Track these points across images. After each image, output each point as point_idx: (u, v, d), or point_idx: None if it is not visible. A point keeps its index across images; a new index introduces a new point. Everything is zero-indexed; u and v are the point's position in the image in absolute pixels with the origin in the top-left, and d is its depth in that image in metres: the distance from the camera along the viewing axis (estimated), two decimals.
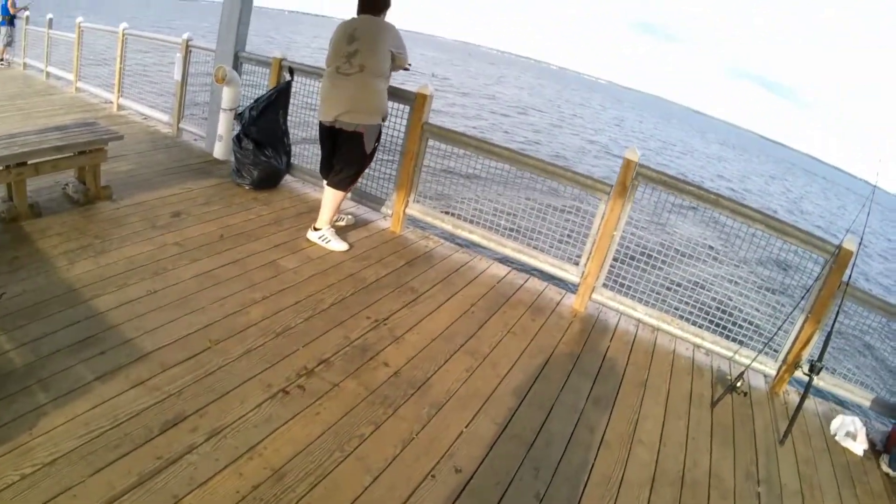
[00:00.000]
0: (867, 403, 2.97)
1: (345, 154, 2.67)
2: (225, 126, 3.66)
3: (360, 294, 2.53)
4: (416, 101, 2.89)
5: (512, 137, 14.60)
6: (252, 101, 3.46)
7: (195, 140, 4.35)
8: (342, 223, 3.08)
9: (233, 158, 3.47)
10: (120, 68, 4.93)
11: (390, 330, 2.30)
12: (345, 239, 2.93)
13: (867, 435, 2.82)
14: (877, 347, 3.23)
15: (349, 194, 2.87)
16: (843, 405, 3.10)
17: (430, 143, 2.97)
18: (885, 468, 2.68)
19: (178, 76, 4.16)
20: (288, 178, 3.63)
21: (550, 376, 2.26)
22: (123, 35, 4.87)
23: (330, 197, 2.79)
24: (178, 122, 4.30)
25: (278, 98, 3.34)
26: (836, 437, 2.76)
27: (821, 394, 3.03)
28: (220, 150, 3.78)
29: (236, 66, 3.73)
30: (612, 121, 33.99)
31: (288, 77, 3.36)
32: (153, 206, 3.00)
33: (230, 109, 3.64)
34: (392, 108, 2.95)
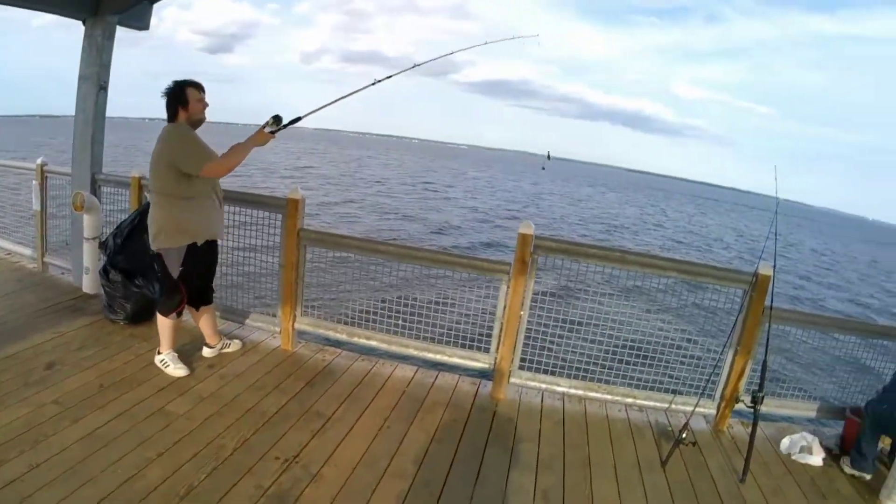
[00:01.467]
0: (814, 414, 3.17)
1: (158, 276, 2.76)
2: (90, 257, 3.56)
3: (264, 431, 2.48)
4: (287, 208, 2.86)
5: (386, 222, 15.42)
6: (115, 227, 3.28)
7: (62, 274, 4.18)
8: (229, 349, 3.11)
9: (102, 292, 3.25)
10: None
11: (304, 468, 2.26)
12: (235, 367, 2.96)
13: (821, 444, 2.91)
14: (811, 358, 3.33)
15: (174, 319, 2.82)
16: (791, 422, 3.16)
17: (310, 249, 2.88)
18: (848, 470, 2.84)
19: (36, 205, 3.99)
20: None
21: (490, 479, 2.28)
22: None
23: (157, 322, 2.83)
24: (43, 256, 4.14)
25: (142, 220, 3.21)
26: (793, 457, 2.89)
27: (766, 417, 3.11)
28: (88, 284, 3.65)
29: (95, 189, 3.65)
30: (484, 184, 39.36)
31: (149, 197, 3.22)
32: (25, 359, 2.91)
33: (93, 238, 3.51)
34: (263, 216, 2.88)
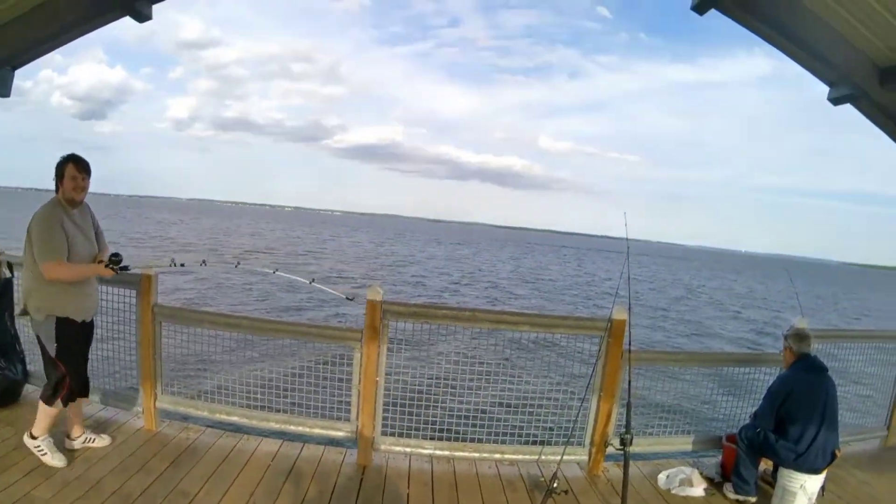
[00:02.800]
0: (690, 446, 3.47)
1: (43, 360, 2.91)
2: None
3: None
4: (141, 285, 2.93)
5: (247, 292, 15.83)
6: None
7: None
8: (93, 444, 3.17)
9: None
10: None
11: None
12: (100, 449, 3.09)
13: (702, 474, 3.07)
14: (680, 393, 3.51)
15: (59, 408, 2.86)
16: (670, 457, 3.33)
17: (166, 326, 2.97)
18: (731, 496, 3.06)
19: None
20: (28, 388, 3.61)
21: None
22: None
23: (39, 407, 2.90)
24: None
25: (0, 300, 3.24)
26: (673, 491, 3.24)
27: (642, 457, 3.26)
28: None
29: None
30: (356, 247, 44.33)
31: (7, 274, 3.30)
32: None
33: None
34: (117, 293, 2.96)
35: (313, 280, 2.91)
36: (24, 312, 2.81)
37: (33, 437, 2.91)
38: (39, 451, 2.90)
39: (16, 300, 3.56)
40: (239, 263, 2.97)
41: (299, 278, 3.06)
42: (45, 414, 2.88)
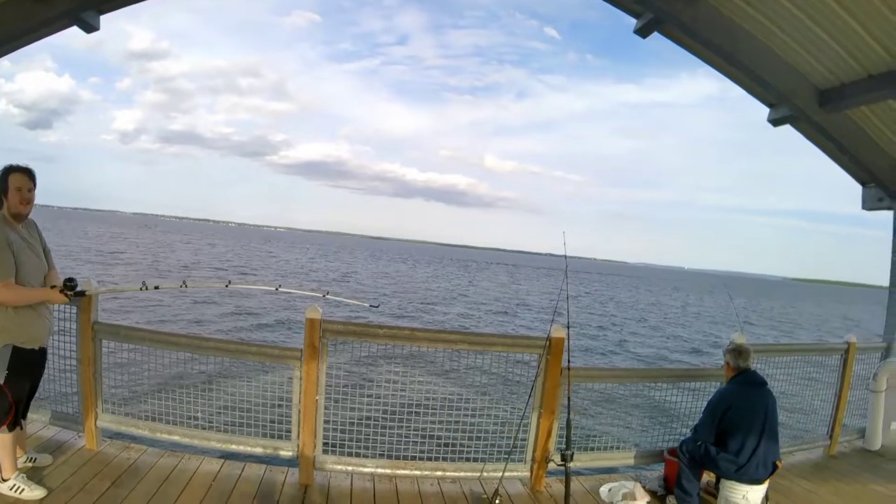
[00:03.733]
0: (632, 460, 3.48)
1: None
2: None
3: None
4: (81, 302, 2.94)
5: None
6: None
7: None
8: (32, 463, 3.09)
9: None
10: None
11: None
12: (41, 472, 3.02)
13: (644, 487, 3.12)
14: (620, 409, 3.56)
15: (5, 433, 2.69)
16: (613, 472, 3.38)
17: (106, 343, 2.94)
18: None
19: None
20: None
21: None
22: None
23: None
24: None
25: None
26: None
27: (584, 472, 3.32)
28: None
29: None
30: (298, 265, 43.68)
31: None
32: None
33: None
34: (58, 309, 2.92)
35: (327, 293, 2.93)
36: None
37: (4, 480, 2.75)
38: (16, 490, 2.74)
39: None
40: (230, 283, 2.90)
41: (310, 293, 3.05)
42: (0, 446, 2.71)
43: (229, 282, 2.97)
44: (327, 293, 3.03)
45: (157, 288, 2.83)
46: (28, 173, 2.61)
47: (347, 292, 23.75)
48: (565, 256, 3.02)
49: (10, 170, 2.57)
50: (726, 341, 3.35)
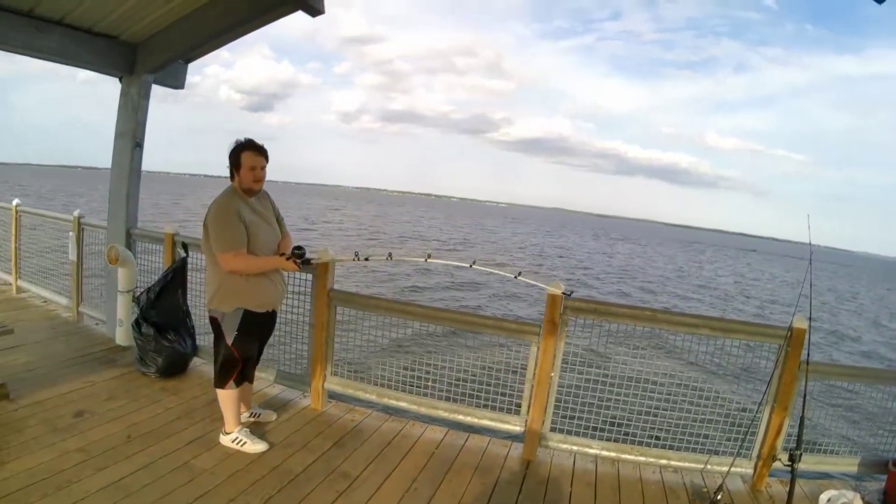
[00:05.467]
0: (855, 469, 3.20)
1: (214, 343, 2.81)
2: (123, 309, 3.88)
3: (288, 490, 2.63)
4: (317, 270, 3.05)
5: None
6: (153, 282, 3.57)
7: (96, 325, 4.53)
8: (255, 418, 3.23)
9: (134, 345, 3.46)
10: (15, 248, 5.22)
11: None
12: (263, 427, 3.13)
13: (863, 499, 2.92)
14: (851, 411, 3.31)
15: (231, 389, 2.84)
16: (831, 478, 3.27)
17: (340, 310, 3.06)
18: None
19: (72, 256, 4.35)
20: (196, 361, 3.85)
21: None
22: (17, 212, 5.01)
23: (218, 397, 2.88)
24: (78, 307, 4.51)
25: (175, 277, 3.56)
26: None
27: (805, 474, 3.15)
28: (121, 336, 3.96)
29: (129, 244, 3.98)
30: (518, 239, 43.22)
31: (183, 253, 3.50)
32: (54, 406, 3.14)
33: (127, 291, 3.84)
34: (295, 277, 3.02)
35: (519, 273, 2.79)
36: (213, 308, 2.70)
37: (227, 433, 2.90)
38: (238, 443, 2.87)
39: (189, 282, 3.73)
40: (430, 256, 2.90)
41: (502, 272, 2.97)
42: (225, 399, 2.85)
43: (429, 255, 2.97)
44: (519, 274, 2.90)
45: (367, 259, 2.90)
46: (261, 151, 2.67)
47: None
48: (810, 244, 2.87)
49: (244, 147, 2.64)
50: None
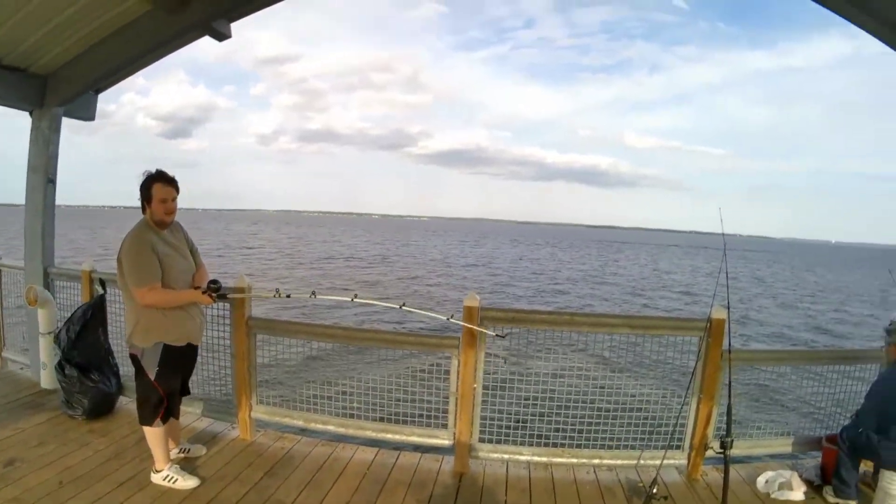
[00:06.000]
0: (790, 448, 3.29)
1: (136, 380, 2.76)
2: (46, 352, 3.81)
3: None
4: (235, 300, 2.95)
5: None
6: (66, 320, 3.43)
7: (21, 369, 4.42)
8: (185, 454, 3.17)
9: (60, 388, 3.35)
10: None
11: None
12: (194, 462, 3.08)
13: (801, 477, 2.99)
14: (779, 393, 3.40)
15: (159, 426, 2.78)
16: (769, 460, 3.35)
17: (260, 337, 2.99)
18: (832, 499, 3.06)
19: None
20: (123, 399, 3.70)
21: None
22: None
23: (146, 435, 2.82)
24: (0, 352, 4.15)
25: (94, 315, 3.39)
26: (773, 495, 3.00)
27: (741, 460, 3.21)
28: (46, 379, 3.89)
29: (47, 283, 3.85)
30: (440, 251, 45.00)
31: (100, 290, 3.37)
32: None
33: (49, 333, 3.72)
34: (214, 306, 2.96)
35: (451, 317, 2.66)
36: (132, 344, 2.66)
37: (158, 472, 2.84)
38: (170, 480, 2.81)
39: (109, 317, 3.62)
40: (356, 296, 2.76)
41: (389, 304, 2.85)
42: (152, 437, 2.80)
43: (356, 295, 2.86)
44: (451, 317, 2.75)
45: (288, 296, 2.84)
46: (172, 182, 2.64)
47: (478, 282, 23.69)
48: (723, 235, 2.90)
49: (154, 179, 2.60)
50: (888, 321, 3.17)
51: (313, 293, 2.82)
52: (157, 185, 2.59)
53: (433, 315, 2.84)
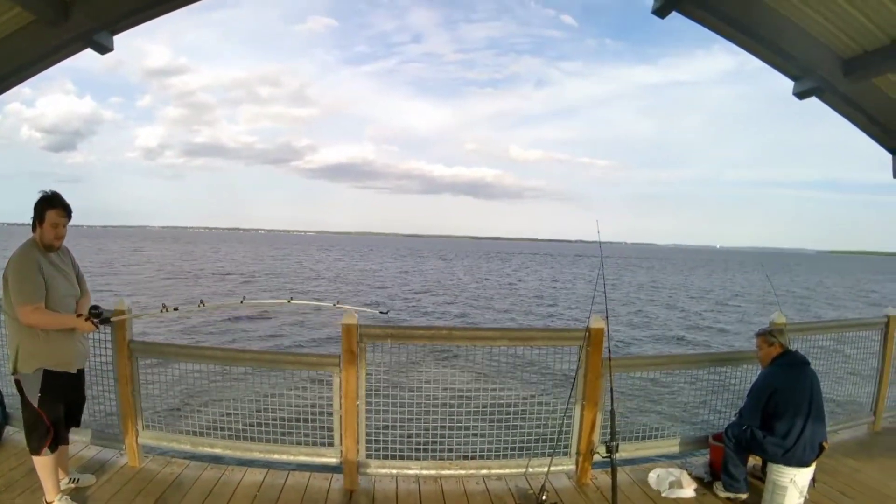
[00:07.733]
0: (677, 448, 3.37)
1: (21, 408, 2.67)
2: None
3: None
4: (116, 323, 2.89)
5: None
6: None
7: None
8: (74, 484, 3.06)
9: None
10: None
11: None
12: (84, 492, 2.99)
13: (690, 474, 3.06)
14: (663, 396, 3.48)
15: (47, 455, 2.68)
16: (659, 460, 3.43)
17: (142, 360, 2.93)
18: (722, 494, 3.10)
19: None
20: (10, 430, 3.46)
21: None
22: None
23: (35, 465, 2.79)
24: None
25: None
26: (664, 494, 3.08)
27: (630, 462, 3.27)
28: None
29: None
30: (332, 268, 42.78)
31: None
32: None
33: None
34: (96, 335, 2.84)
35: (337, 302, 2.84)
36: (15, 370, 2.59)
37: (48, 503, 2.73)
38: None
39: None
40: (244, 299, 2.85)
41: (322, 302, 3.04)
42: (42, 467, 2.70)
43: (244, 298, 2.94)
44: (337, 303, 2.92)
45: (176, 310, 2.82)
46: (66, 210, 2.63)
47: (361, 295, 23.52)
48: (599, 244, 2.96)
49: (51, 205, 2.58)
50: (764, 323, 3.27)
51: (202, 302, 2.84)
52: (52, 210, 2.57)
53: (321, 304, 3.03)
